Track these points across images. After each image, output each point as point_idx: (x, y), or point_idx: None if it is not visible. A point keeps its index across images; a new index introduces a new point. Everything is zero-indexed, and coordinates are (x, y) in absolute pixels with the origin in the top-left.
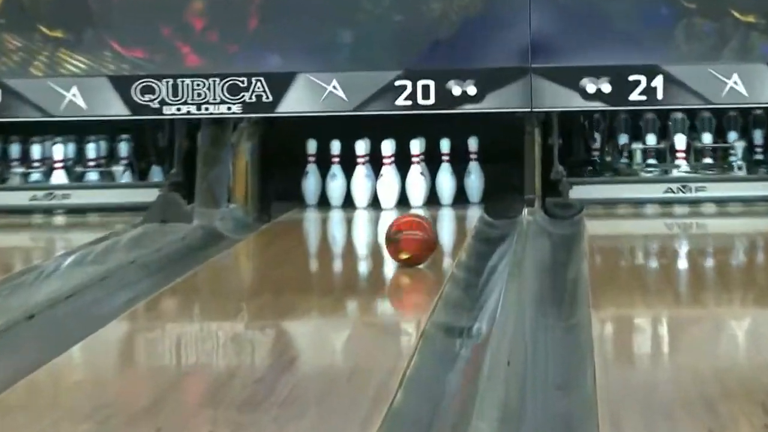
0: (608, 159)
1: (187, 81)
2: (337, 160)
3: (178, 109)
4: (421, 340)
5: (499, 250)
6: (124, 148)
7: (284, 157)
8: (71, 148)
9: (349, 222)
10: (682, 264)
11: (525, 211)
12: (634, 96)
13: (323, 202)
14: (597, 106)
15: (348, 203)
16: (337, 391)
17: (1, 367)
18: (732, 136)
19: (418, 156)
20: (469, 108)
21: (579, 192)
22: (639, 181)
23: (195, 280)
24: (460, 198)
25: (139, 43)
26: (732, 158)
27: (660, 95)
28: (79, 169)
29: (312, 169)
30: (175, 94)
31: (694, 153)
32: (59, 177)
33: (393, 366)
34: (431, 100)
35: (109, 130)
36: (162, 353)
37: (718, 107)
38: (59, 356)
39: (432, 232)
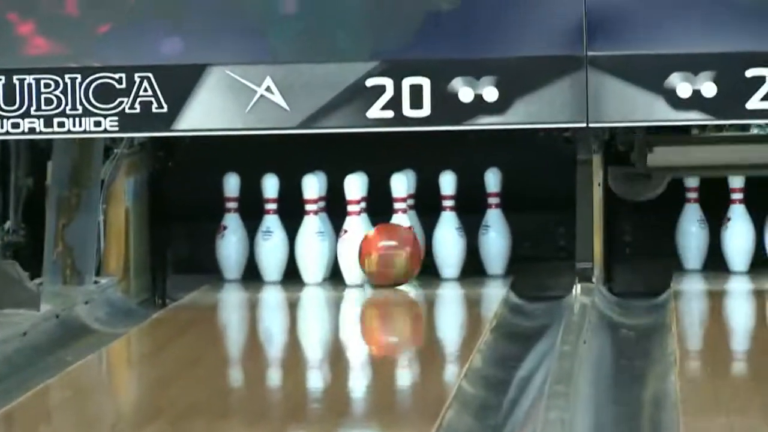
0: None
1: (29, 79)
2: (273, 207)
3: (15, 126)
4: None
5: (533, 351)
6: None
7: (188, 204)
8: None
9: (292, 307)
10: None
11: (576, 288)
12: (755, 103)
13: (251, 275)
14: (694, 119)
15: (291, 276)
16: None
17: None
18: None
19: (403, 200)
20: (486, 123)
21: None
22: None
23: (43, 402)
24: (472, 267)
25: None
26: None
27: None
28: None
29: (232, 222)
30: (8, 100)
31: None
32: None
33: None
34: (425, 111)
35: None
36: None
37: None
38: None
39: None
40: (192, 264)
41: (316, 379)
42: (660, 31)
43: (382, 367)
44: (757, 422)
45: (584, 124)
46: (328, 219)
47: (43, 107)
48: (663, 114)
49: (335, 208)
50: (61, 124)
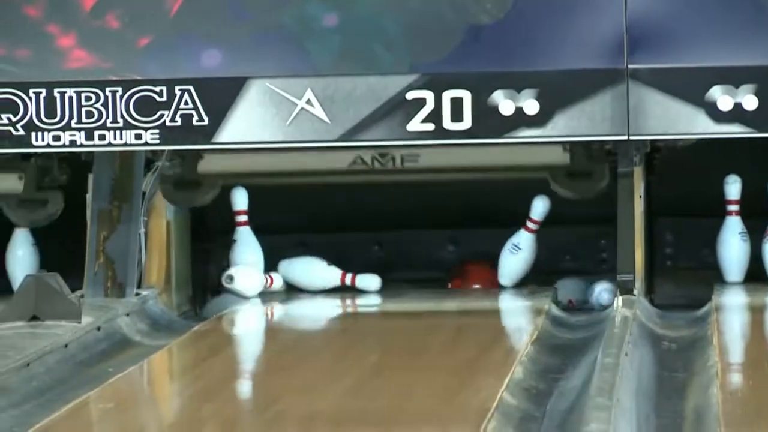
0: None
1: (70, 92)
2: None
3: (56, 138)
4: None
5: (574, 363)
6: None
7: (229, 217)
8: None
9: (332, 320)
10: None
11: (618, 301)
12: None
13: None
14: (735, 132)
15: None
16: None
17: None
18: None
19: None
20: (526, 135)
21: None
22: None
23: (85, 414)
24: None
25: None
26: None
27: None
28: None
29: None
30: (49, 113)
31: None
32: None
33: None
34: (465, 123)
35: None
36: None
37: None
38: None
39: None
40: None
41: (358, 390)
42: (701, 44)
43: (424, 378)
44: None
45: (625, 137)
46: None
47: (84, 120)
48: (704, 127)
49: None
50: (102, 137)
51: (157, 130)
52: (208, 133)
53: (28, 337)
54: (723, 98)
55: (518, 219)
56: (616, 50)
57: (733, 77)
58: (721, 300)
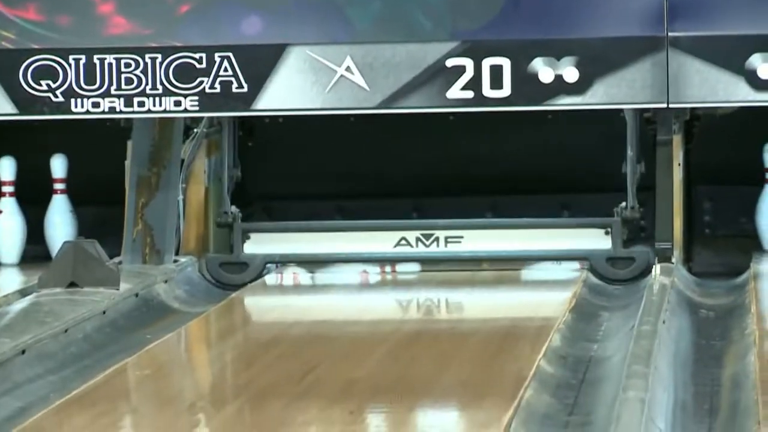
0: None
1: (110, 59)
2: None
3: (95, 105)
4: None
5: (610, 331)
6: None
7: (269, 182)
8: None
9: (368, 289)
10: None
11: (656, 268)
12: None
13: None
14: None
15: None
16: None
17: None
18: None
19: None
20: (566, 103)
21: None
22: None
23: (122, 381)
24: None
25: None
26: None
27: None
28: None
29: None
30: (89, 79)
31: None
32: None
33: None
34: (505, 91)
35: None
36: None
37: None
38: None
39: None
40: None
41: (393, 358)
42: (741, 12)
43: (461, 346)
44: None
45: (665, 105)
46: None
47: (123, 87)
48: (743, 95)
49: None
50: (141, 104)
51: (196, 97)
52: (247, 100)
53: (67, 304)
54: (763, 66)
55: None
56: (656, 18)
57: None
58: (760, 268)
